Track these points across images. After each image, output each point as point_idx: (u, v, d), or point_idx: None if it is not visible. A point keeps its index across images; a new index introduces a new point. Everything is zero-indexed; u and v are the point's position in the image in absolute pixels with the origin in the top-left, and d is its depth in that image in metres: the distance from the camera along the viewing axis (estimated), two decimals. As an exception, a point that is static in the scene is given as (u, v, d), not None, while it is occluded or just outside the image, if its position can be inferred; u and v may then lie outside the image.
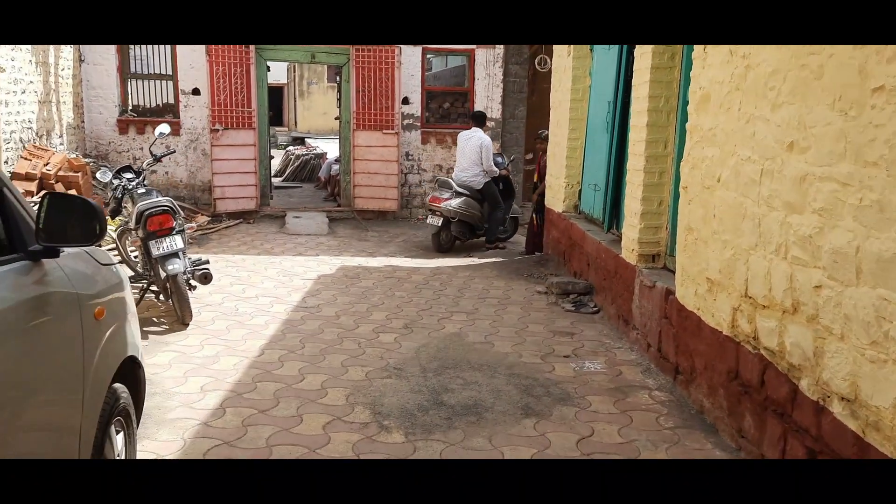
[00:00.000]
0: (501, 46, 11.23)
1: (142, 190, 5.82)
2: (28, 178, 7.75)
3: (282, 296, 6.46)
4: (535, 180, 8.89)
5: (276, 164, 19.47)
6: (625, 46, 6.02)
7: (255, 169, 10.78)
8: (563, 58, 8.03)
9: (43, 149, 8.18)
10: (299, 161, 17.22)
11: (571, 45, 7.67)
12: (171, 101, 10.80)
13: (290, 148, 20.70)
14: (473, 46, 11.22)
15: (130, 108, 10.72)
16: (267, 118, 11.16)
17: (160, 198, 5.45)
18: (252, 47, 10.50)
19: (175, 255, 5.25)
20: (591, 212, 7.18)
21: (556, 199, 8.20)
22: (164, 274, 5.21)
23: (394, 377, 4.49)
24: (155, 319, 5.53)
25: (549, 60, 11.31)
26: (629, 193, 5.52)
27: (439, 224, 8.98)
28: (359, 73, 10.81)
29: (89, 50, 10.20)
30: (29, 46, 8.29)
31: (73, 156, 8.95)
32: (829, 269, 2.79)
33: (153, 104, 10.97)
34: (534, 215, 9.05)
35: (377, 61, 10.74)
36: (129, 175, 6.08)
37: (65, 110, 9.58)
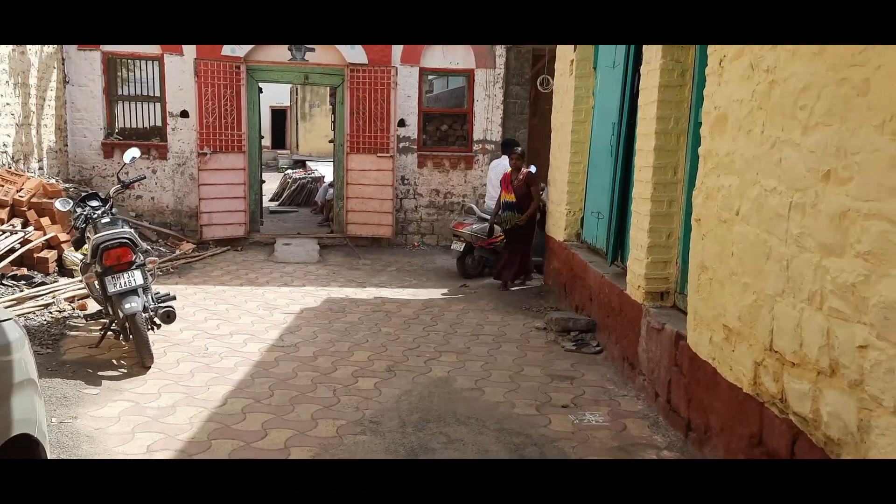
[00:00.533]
0: (502, 66, 10.82)
1: (106, 219, 5.35)
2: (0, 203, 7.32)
3: (258, 332, 5.97)
4: (500, 199, 8.10)
5: (273, 187, 19.15)
6: (630, 64, 5.56)
7: (244, 194, 10.34)
8: (566, 77, 7.58)
9: (17, 174, 7.76)
10: (296, 185, 16.82)
11: (574, 64, 7.23)
12: (160, 123, 10.40)
13: (289, 171, 20.33)
14: (473, 66, 10.82)
15: (116, 131, 10.32)
16: (259, 141, 10.75)
17: (122, 228, 4.97)
18: (243, 68, 10.12)
19: (133, 292, 4.76)
20: (594, 241, 6.68)
21: (556, 226, 7.71)
22: (122, 313, 4.72)
23: (368, 433, 3.98)
24: (115, 362, 5.04)
25: (551, 81, 10.88)
26: (635, 224, 5.02)
27: (461, 249, 8.73)
28: (353, 95, 10.41)
29: (74, 71, 9.84)
30: (6, 67, 7.90)
31: (52, 181, 8.52)
32: (878, 326, 2.28)
33: (141, 127, 10.58)
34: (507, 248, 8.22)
35: (372, 82, 10.34)
36: (94, 203, 5.62)
37: (46, 133, 9.19)
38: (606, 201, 6.25)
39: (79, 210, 5.45)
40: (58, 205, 5.53)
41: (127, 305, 4.65)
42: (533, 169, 8.44)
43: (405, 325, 6.45)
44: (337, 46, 10.29)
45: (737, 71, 3.31)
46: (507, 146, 9.04)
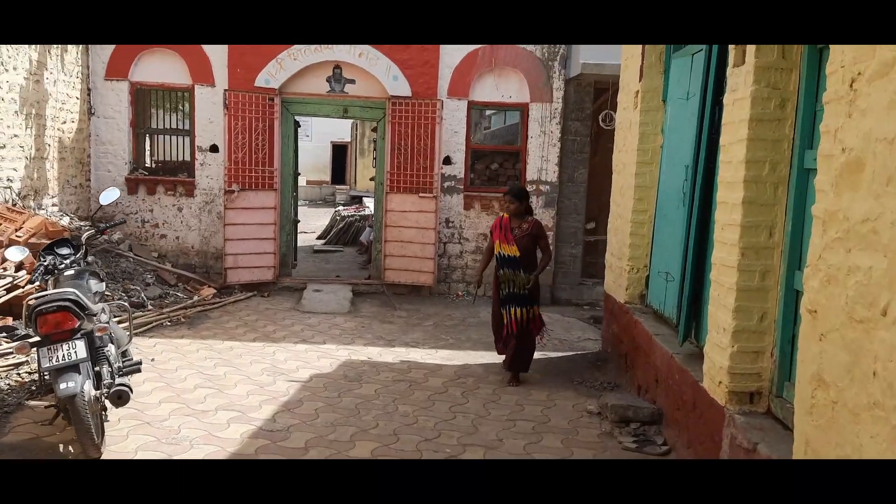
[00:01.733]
0: (560, 100, 9.82)
1: (70, 272, 4.54)
2: (-8, 244, 6.69)
3: (249, 409, 5.03)
4: (493, 248, 6.23)
5: (323, 224, 18.54)
6: (709, 94, 4.48)
7: (274, 235, 9.58)
8: (629, 111, 6.52)
9: (18, 211, 7.17)
10: (343, 223, 16.13)
11: (639, 96, 6.17)
12: (189, 158, 9.80)
13: (339, 208, 19.73)
14: (527, 100, 9.86)
15: (143, 166, 9.76)
16: (293, 178, 10.02)
17: (66, 288, 4.12)
18: (277, 100, 9.44)
19: (74, 368, 3.88)
20: (662, 308, 5.53)
21: (617, 285, 6.57)
22: (57, 394, 3.84)
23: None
24: (62, 447, 4.18)
25: (614, 116, 9.81)
26: (716, 298, 3.88)
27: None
28: (395, 129, 9.58)
29: (100, 102, 9.35)
30: (16, 97, 7.38)
31: (57, 219, 7.93)
32: None
33: (168, 160, 10.01)
34: (510, 309, 6.09)
35: (416, 116, 9.49)
36: (64, 250, 4.83)
37: (63, 167, 8.66)
38: (677, 260, 5.12)
39: (46, 259, 4.66)
40: (9, 254, 4.73)
41: (63, 385, 3.77)
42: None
43: (429, 402, 5.42)
44: (379, 77, 9.51)
45: (881, 95, 2.21)
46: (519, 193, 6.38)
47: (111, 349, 4.41)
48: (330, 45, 9.41)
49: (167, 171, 9.84)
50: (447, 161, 9.85)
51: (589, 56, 9.29)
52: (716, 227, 3.96)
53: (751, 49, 3.55)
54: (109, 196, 5.07)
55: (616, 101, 9.73)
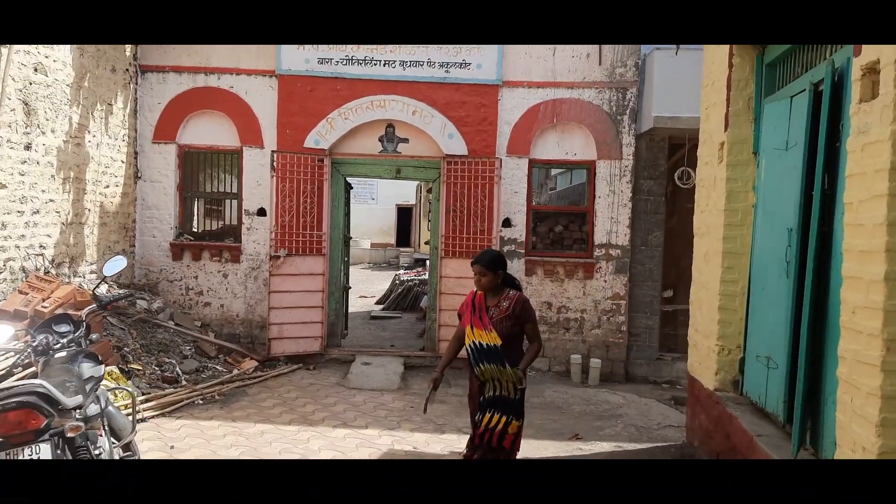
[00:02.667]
0: (630, 157, 9.03)
1: (63, 353, 3.96)
2: (17, 315, 6.30)
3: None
4: (462, 336, 4.67)
5: (384, 288, 18.01)
6: (821, 140, 3.65)
7: (321, 303, 8.99)
8: (713, 166, 5.68)
9: (47, 280, 6.80)
10: (403, 287, 15.55)
11: (725, 148, 5.35)
12: (236, 222, 9.41)
13: (400, 272, 19.23)
14: (594, 157, 9.11)
15: (188, 231, 9.41)
16: (343, 243, 9.48)
17: (35, 380, 3.50)
18: (327, 161, 9.00)
19: None
20: (763, 401, 4.56)
21: (703, 367, 5.61)
22: None
23: None
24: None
25: (692, 174, 8.94)
26: (846, 402, 2.97)
27: None
28: (450, 190, 8.96)
29: (147, 166, 9.10)
30: (53, 161, 7.11)
31: (89, 288, 7.54)
32: None
33: (216, 226, 9.65)
34: (492, 415, 4.48)
35: (472, 176, 8.86)
36: (63, 328, 4.27)
37: (105, 233, 8.35)
38: (782, 344, 4.20)
39: (37, 339, 4.10)
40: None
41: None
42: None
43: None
44: (433, 136, 8.97)
45: None
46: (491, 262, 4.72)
47: (103, 446, 3.77)
48: (382, 104, 8.96)
49: (213, 236, 9.46)
50: (507, 223, 9.13)
51: (662, 108, 8.51)
52: (843, 310, 3.06)
53: (887, 77, 2.72)
54: (115, 266, 4.52)
55: (694, 156, 8.88)
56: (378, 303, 16.36)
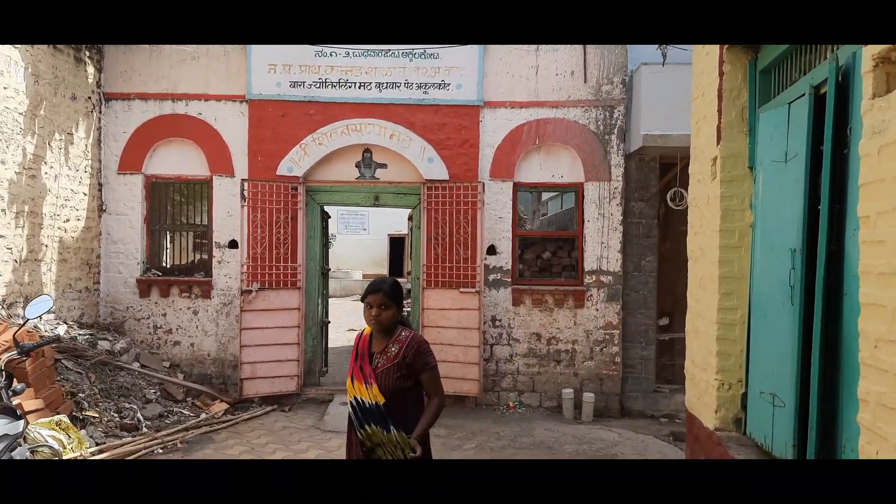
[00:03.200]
0: (619, 178, 8.62)
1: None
2: (-44, 362, 5.78)
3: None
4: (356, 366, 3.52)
5: (373, 320, 17.45)
6: (827, 149, 3.21)
7: (297, 339, 8.49)
8: (706, 184, 5.25)
9: (-6, 321, 6.30)
10: (389, 320, 14.99)
11: (718, 163, 4.92)
12: (207, 256, 8.94)
13: (388, 303, 18.62)
14: (581, 179, 8.69)
15: (157, 265, 8.93)
16: (319, 275, 9.00)
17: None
18: (301, 189, 8.57)
19: None
20: (768, 442, 4.06)
21: (702, 403, 5.12)
22: None
23: None
24: None
25: (685, 195, 8.52)
26: (870, 452, 2.48)
27: None
28: (431, 217, 8.52)
29: (112, 198, 8.66)
30: (3, 194, 6.66)
31: (52, 328, 7.06)
32: None
33: (184, 260, 9.18)
34: None
35: (454, 201, 8.43)
36: None
37: (65, 269, 7.88)
38: (788, 379, 3.73)
39: None
40: None
41: None
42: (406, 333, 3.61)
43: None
44: (412, 160, 8.56)
45: None
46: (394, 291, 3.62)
47: None
48: (358, 128, 8.56)
49: (183, 270, 8.98)
50: (491, 251, 8.68)
51: (651, 126, 8.12)
52: (862, 344, 2.59)
53: (906, 67, 2.29)
54: (38, 308, 4.03)
55: (687, 176, 8.49)
56: (366, 336, 15.82)
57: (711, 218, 5.03)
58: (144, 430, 6.77)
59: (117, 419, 6.77)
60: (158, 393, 7.67)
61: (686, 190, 8.62)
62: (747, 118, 4.81)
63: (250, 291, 8.26)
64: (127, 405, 7.04)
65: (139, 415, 6.96)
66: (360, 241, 31.55)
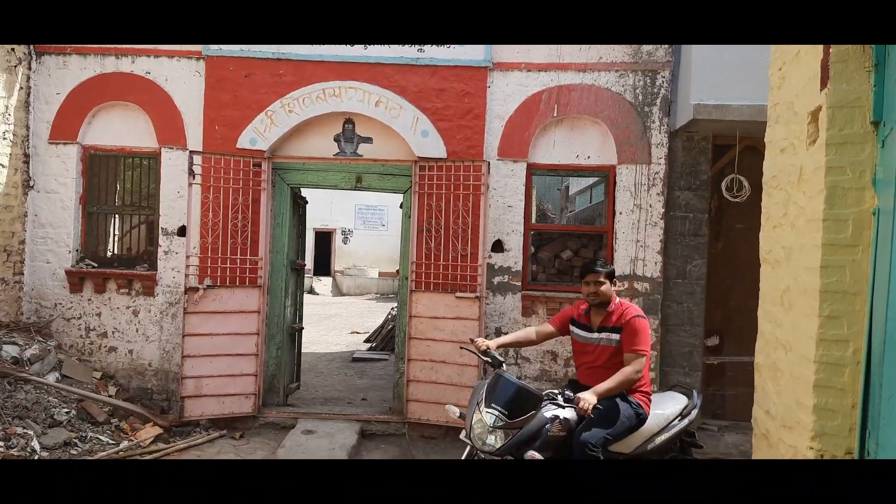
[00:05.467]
0: (662, 161, 6.91)
1: None
2: None
3: None
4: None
5: (379, 322, 15.98)
6: None
7: (256, 349, 6.94)
8: (795, 153, 3.57)
9: None
10: (391, 324, 13.44)
11: (824, 118, 3.22)
12: (153, 245, 7.44)
13: (394, 305, 17.12)
14: (613, 162, 7.00)
15: (95, 254, 7.45)
16: (288, 271, 7.44)
17: None
18: (266, 166, 7.02)
19: None
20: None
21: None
22: None
23: None
24: None
25: (745, 183, 6.79)
26: None
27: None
28: (423, 203, 6.91)
29: (41, 172, 7.21)
30: None
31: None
32: None
33: (124, 249, 7.68)
34: None
35: (452, 185, 6.81)
36: None
37: (-29, 256, 6.43)
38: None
39: None
40: None
41: None
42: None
43: None
44: (402, 133, 6.96)
45: None
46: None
47: None
48: (337, 92, 6.98)
49: (124, 262, 7.48)
50: (498, 247, 7.03)
51: (704, 94, 6.41)
52: None
53: None
54: None
55: (747, 159, 6.79)
56: (367, 340, 14.31)
57: (807, 202, 3.33)
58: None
59: (2, 449, 5.29)
60: (73, 413, 6.18)
61: (745, 179, 6.89)
62: (872, 54, 3.12)
63: (197, 289, 6.73)
64: (20, 430, 5.55)
65: (34, 443, 5.48)
66: (378, 238, 30.07)
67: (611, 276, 4.40)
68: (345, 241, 30.11)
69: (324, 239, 29.31)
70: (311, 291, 26.53)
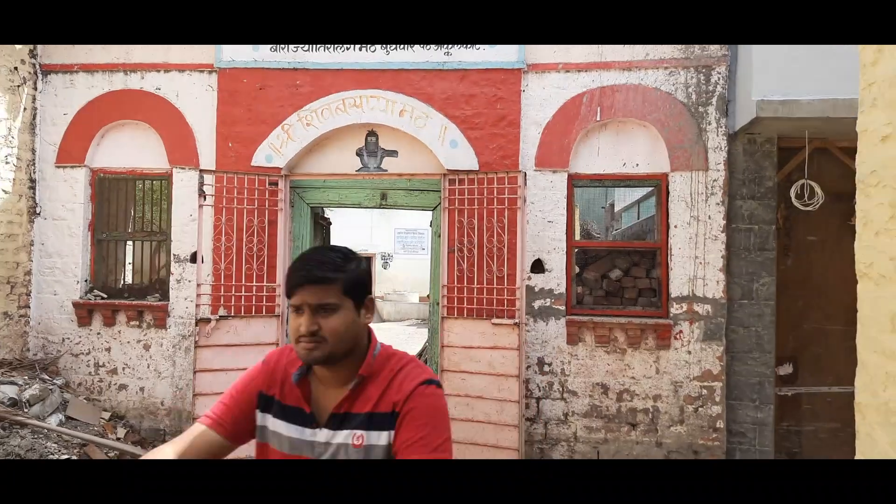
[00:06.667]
0: (721, 167, 6.20)
1: None
2: None
3: None
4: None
5: (416, 351, 15.38)
6: None
7: (274, 386, 6.37)
8: (902, 138, 2.85)
9: None
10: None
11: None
12: (166, 273, 7.00)
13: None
14: (665, 170, 6.32)
15: (105, 284, 7.04)
16: (310, 299, 6.88)
17: None
18: (284, 185, 6.53)
19: None
20: None
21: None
22: None
23: None
24: None
25: (817, 190, 6.05)
26: None
27: None
28: (453, 220, 6.32)
29: (48, 198, 6.84)
30: None
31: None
32: None
33: (135, 279, 7.25)
34: None
35: (486, 199, 6.20)
36: None
37: (-32, 289, 6.06)
38: None
39: None
40: None
41: None
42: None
43: None
44: (429, 144, 6.40)
45: None
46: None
47: None
48: (358, 102, 6.48)
49: (135, 292, 7.04)
50: (537, 267, 6.38)
51: (767, 88, 5.70)
52: None
53: None
54: None
55: (819, 162, 6.12)
56: (405, 370, 13.69)
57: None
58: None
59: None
60: (78, 460, 5.69)
61: (817, 185, 6.14)
62: None
63: (209, 320, 6.23)
64: (12, 481, 5.06)
65: (27, 495, 4.97)
66: (418, 262, 29.59)
67: (355, 289, 1.89)
68: (385, 266, 29.75)
69: (364, 265, 28.94)
70: (351, 318, 26.05)
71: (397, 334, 21.53)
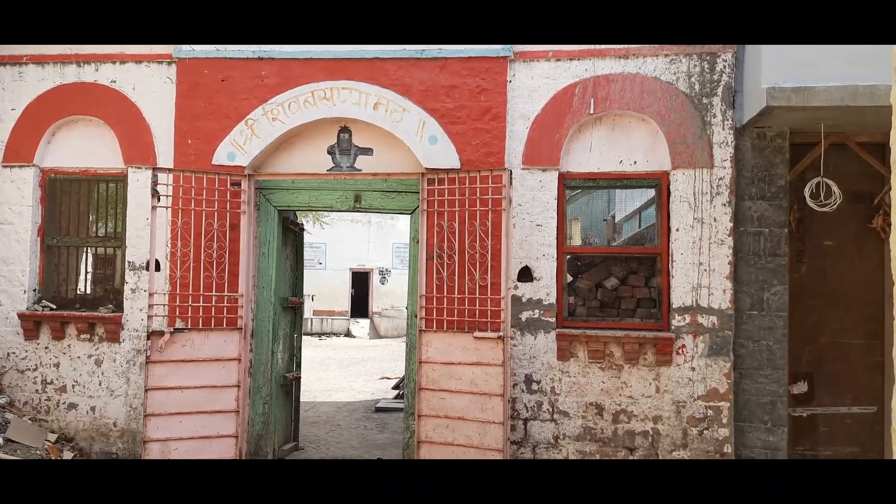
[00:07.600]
0: (727, 164, 5.67)
1: None
2: None
3: None
4: None
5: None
6: None
7: (236, 406, 5.85)
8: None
9: None
10: (421, 368, 12.24)
11: None
12: (119, 282, 6.48)
13: (428, 346, 15.93)
14: (667, 167, 5.79)
15: (54, 294, 6.51)
16: (278, 310, 6.38)
17: None
18: (247, 185, 6.02)
19: None
20: None
21: None
22: None
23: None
24: None
25: (834, 189, 5.51)
26: None
27: None
28: (432, 224, 5.80)
29: (-7, 199, 6.34)
30: None
31: None
32: None
33: (88, 288, 6.73)
34: None
35: (468, 201, 5.68)
36: None
37: None
38: None
39: None
40: None
41: None
42: None
43: None
44: (406, 141, 5.89)
45: None
46: None
47: None
48: (328, 94, 5.98)
49: (87, 302, 6.52)
50: (525, 275, 5.84)
51: (778, 75, 5.17)
52: None
53: None
54: None
55: (835, 159, 5.56)
56: (396, 387, 13.16)
57: None
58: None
59: None
60: None
61: (835, 184, 5.60)
62: None
63: (162, 333, 5.70)
64: (-73, 515, 4.52)
65: (-57, 532, 4.43)
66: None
67: None
68: (382, 281, 29.26)
69: (361, 280, 28.52)
70: (349, 334, 25.83)
71: (393, 351, 20.97)
